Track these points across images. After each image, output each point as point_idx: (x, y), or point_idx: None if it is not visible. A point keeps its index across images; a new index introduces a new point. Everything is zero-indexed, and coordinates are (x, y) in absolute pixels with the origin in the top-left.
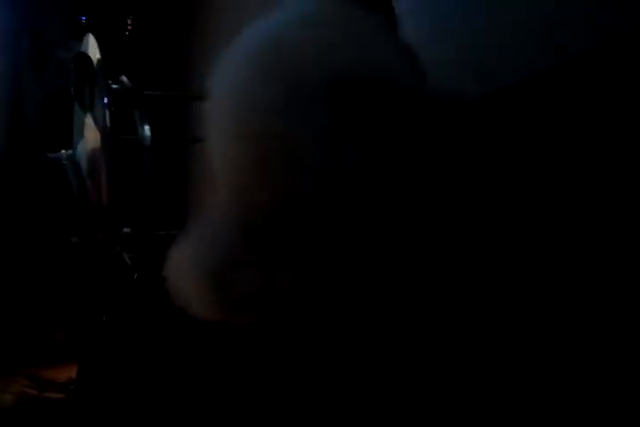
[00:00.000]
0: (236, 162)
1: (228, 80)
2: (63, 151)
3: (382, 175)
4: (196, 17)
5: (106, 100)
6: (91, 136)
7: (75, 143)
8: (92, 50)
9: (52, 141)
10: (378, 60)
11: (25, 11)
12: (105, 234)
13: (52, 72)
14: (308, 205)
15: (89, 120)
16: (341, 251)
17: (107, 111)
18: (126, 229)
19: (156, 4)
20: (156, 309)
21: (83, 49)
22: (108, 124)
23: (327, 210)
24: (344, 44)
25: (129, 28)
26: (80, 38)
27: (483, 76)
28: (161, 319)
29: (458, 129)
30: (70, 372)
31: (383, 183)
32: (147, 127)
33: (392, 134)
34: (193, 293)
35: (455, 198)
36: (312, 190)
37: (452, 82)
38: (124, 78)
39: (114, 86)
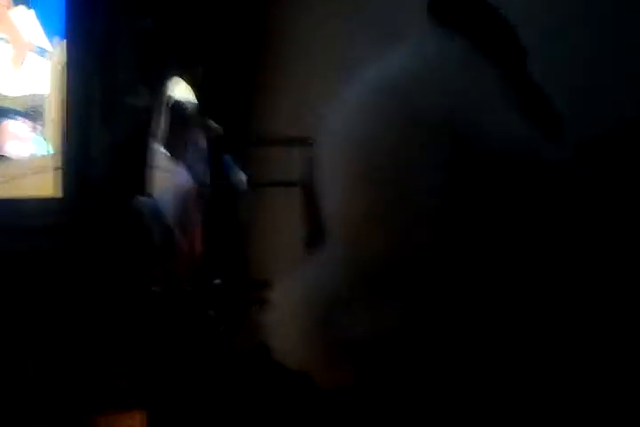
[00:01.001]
0: (353, 204)
1: (348, 123)
2: (142, 199)
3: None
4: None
5: (204, 147)
6: (181, 183)
7: (154, 190)
8: (186, 96)
9: (122, 187)
10: (491, 121)
11: (97, 52)
12: (195, 285)
13: (121, 116)
14: (423, 252)
15: (178, 167)
16: (456, 300)
17: (205, 158)
18: (217, 281)
19: (225, 53)
20: (236, 361)
21: (170, 95)
22: (209, 172)
23: (442, 257)
24: (464, 98)
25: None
26: (149, 84)
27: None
28: (239, 373)
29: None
30: (131, 419)
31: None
32: (241, 172)
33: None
34: (297, 335)
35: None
36: (427, 237)
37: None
38: (214, 124)
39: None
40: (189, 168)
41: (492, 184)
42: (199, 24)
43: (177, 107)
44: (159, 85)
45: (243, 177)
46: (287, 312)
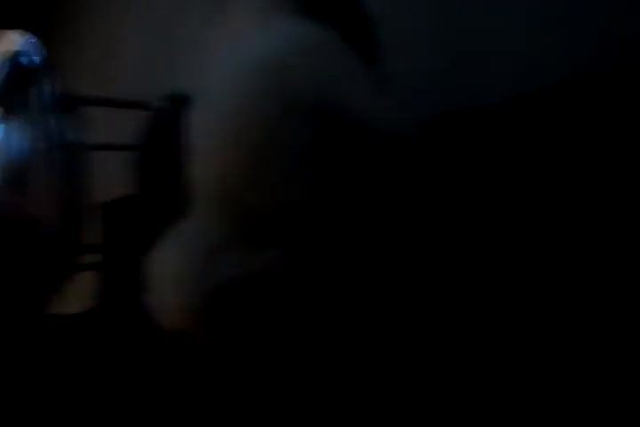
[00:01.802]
0: (226, 166)
1: (227, 90)
2: None
3: (348, 190)
4: None
5: (43, 105)
6: (11, 140)
7: None
8: (24, 50)
9: None
10: (358, 97)
11: None
12: (39, 252)
13: None
14: (287, 210)
15: (9, 124)
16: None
17: (52, 115)
18: (49, 244)
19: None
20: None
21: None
22: (57, 130)
23: (304, 213)
24: (334, 79)
25: None
26: None
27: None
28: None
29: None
30: None
31: (350, 195)
32: (80, 132)
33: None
34: (172, 288)
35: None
36: (291, 195)
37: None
38: (56, 80)
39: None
40: (25, 126)
41: (352, 153)
42: None
43: (15, 60)
44: None
45: (82, 137)
46: (167, 266)
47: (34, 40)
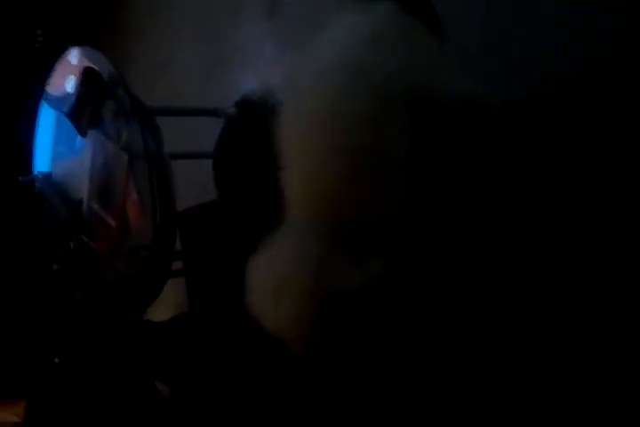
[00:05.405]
0: (327, 172)
1: (313, 93)
2: (37, 173)
3: (456, 185)
4: None
5: (133, 114)
6: (95, 153)
7: (43, 163)
8: (100, 63)
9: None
10: (437, 84)
11: None
12: (124, 259)
13: None
14: (395, 213)
15: (89, 137)
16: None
17: (138, 126)
18: (144, 253)
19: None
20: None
21: (69, 62)
22: (145, 141)
23: (412, 215)
24: (413, 70)
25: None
26: None
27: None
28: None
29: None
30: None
31: (457, 193)
32: (161, 142)
33: (457, 144)
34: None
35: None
36: (394, 199)
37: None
38: (131, 92)
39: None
40: (107, 138)
41: (448, 140)
42: None
43: (91, 74)
44: None
45: (162, 147)
46: (270, 277)
47: (100, 54)
